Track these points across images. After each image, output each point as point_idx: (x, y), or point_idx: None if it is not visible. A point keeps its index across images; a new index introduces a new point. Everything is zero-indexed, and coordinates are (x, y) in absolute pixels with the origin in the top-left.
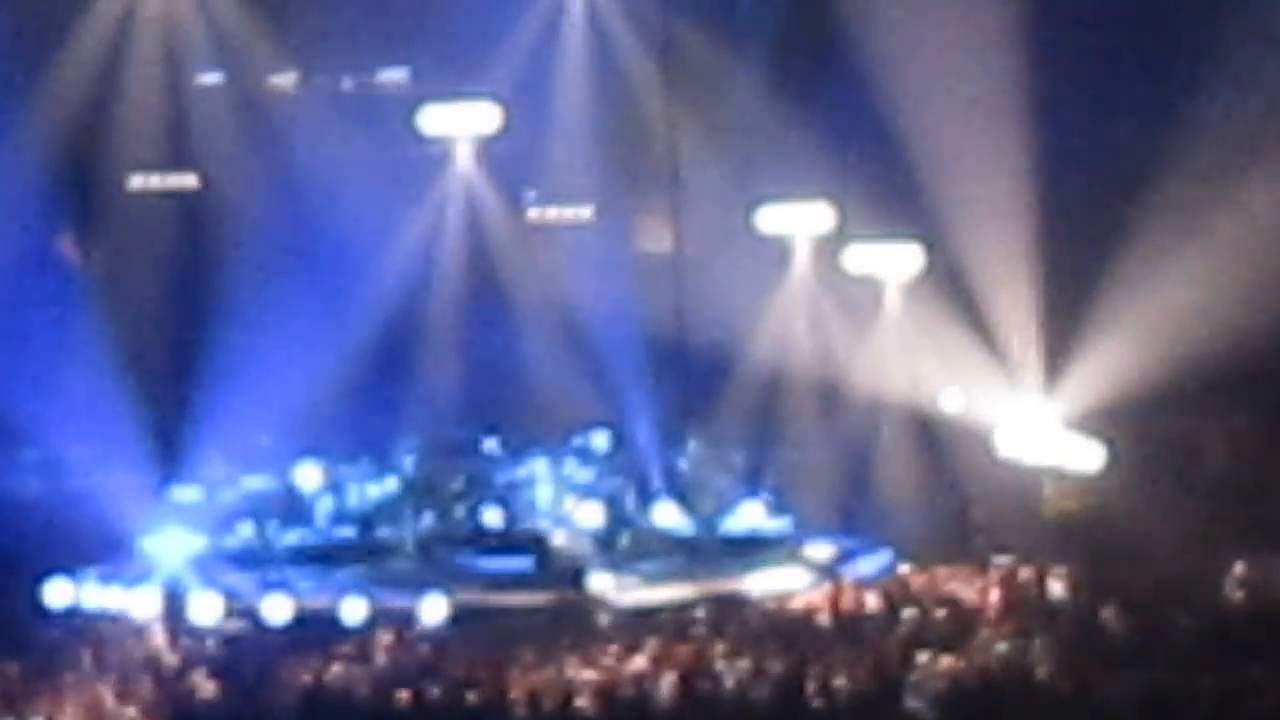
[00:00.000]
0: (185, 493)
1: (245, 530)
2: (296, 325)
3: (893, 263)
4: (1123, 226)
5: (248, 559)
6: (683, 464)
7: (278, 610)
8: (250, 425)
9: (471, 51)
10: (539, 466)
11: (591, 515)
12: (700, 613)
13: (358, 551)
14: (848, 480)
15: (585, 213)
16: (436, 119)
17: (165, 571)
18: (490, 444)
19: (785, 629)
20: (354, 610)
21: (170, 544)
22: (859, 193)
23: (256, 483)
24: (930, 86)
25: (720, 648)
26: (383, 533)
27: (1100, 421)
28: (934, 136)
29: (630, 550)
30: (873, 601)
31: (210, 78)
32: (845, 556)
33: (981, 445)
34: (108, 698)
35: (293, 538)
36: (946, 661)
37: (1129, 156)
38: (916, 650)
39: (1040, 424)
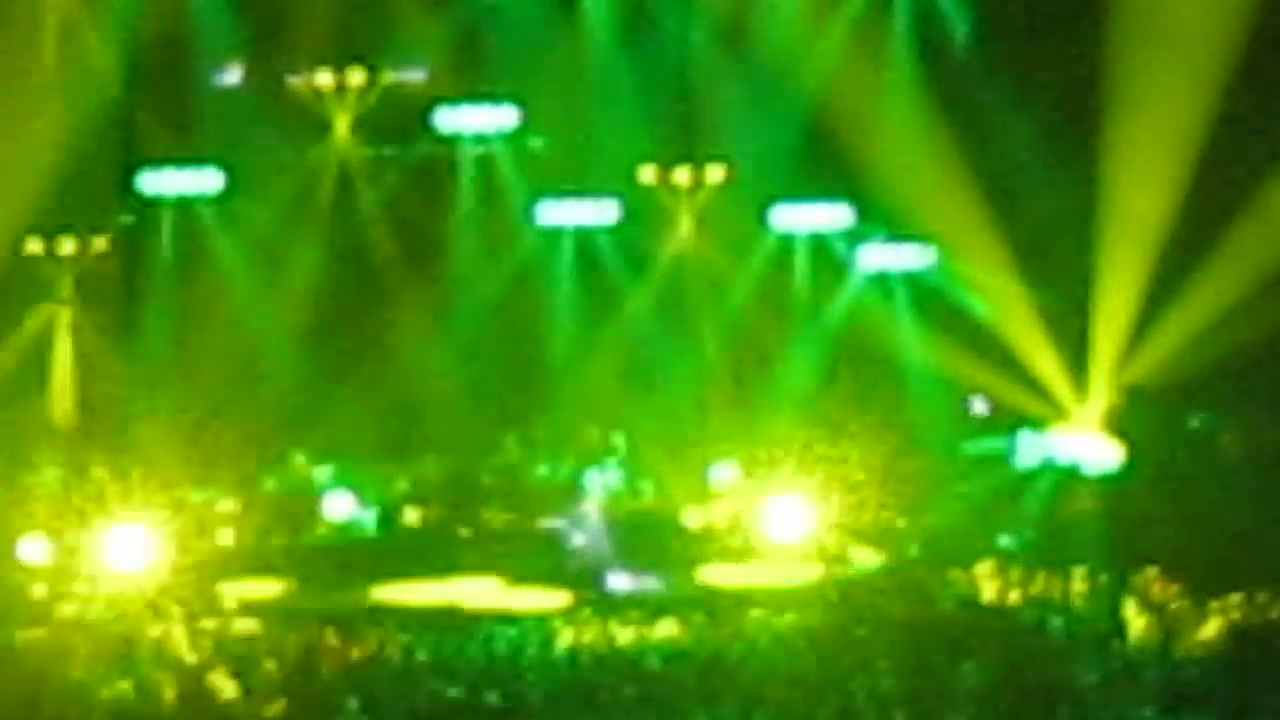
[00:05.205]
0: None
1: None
2: (313, 325)
3: (908, 262)
4: (1142, 223)
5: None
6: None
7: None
8: (268, 426)
9: (491, 51)
10: (559, 466)
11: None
12: None
13: (376, 552)
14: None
15: (609, 211)
16: (453, 119)
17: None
18: (510, 442)
19: None
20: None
21: None
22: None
23: (273, 484)
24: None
25: None
26: (401, 532)
27: (1120, 419)
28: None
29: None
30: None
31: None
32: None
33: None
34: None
35: (310, 540)
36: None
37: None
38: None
39: (1061, 423)
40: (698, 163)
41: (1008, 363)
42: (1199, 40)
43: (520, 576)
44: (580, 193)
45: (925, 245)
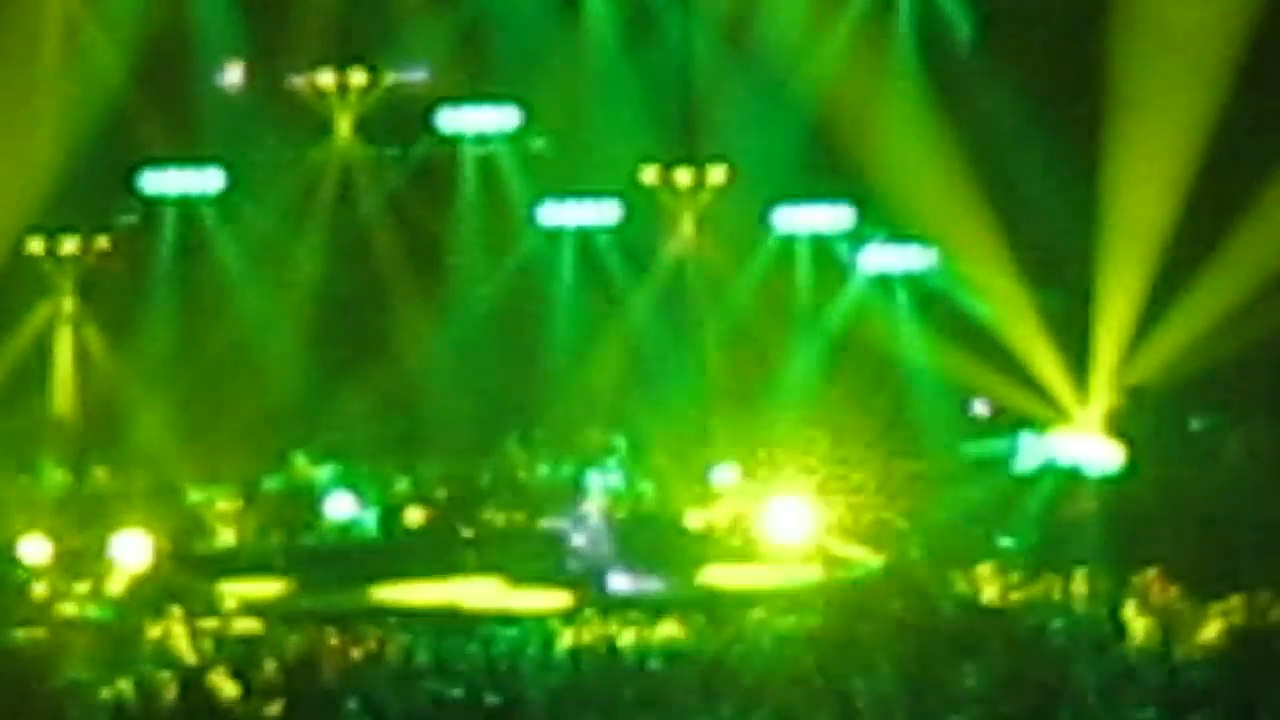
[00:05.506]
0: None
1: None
2: (314, 325)
3: (909, 263)
4: (1144, 224)
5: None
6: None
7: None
8: (269, 425)
9: (493, 51)
10: (560, 466)
11: (613, 515)
12: None
13: (377, 553)
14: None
15: (610, 212)
16: (455, 119)
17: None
18: (510, 442)
19: None
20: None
21: None
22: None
23: (274, 484)
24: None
25: None
26: (402, 533)
27: (1122, 421)
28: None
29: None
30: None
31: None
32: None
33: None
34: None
35: (310, 540)
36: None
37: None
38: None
39: (1063, 425)
40: (699, 163)
41: (1009, 364)
42: (1201, 41)
43: (521, 577)
44: (581, 193)
45: (927, 247)
